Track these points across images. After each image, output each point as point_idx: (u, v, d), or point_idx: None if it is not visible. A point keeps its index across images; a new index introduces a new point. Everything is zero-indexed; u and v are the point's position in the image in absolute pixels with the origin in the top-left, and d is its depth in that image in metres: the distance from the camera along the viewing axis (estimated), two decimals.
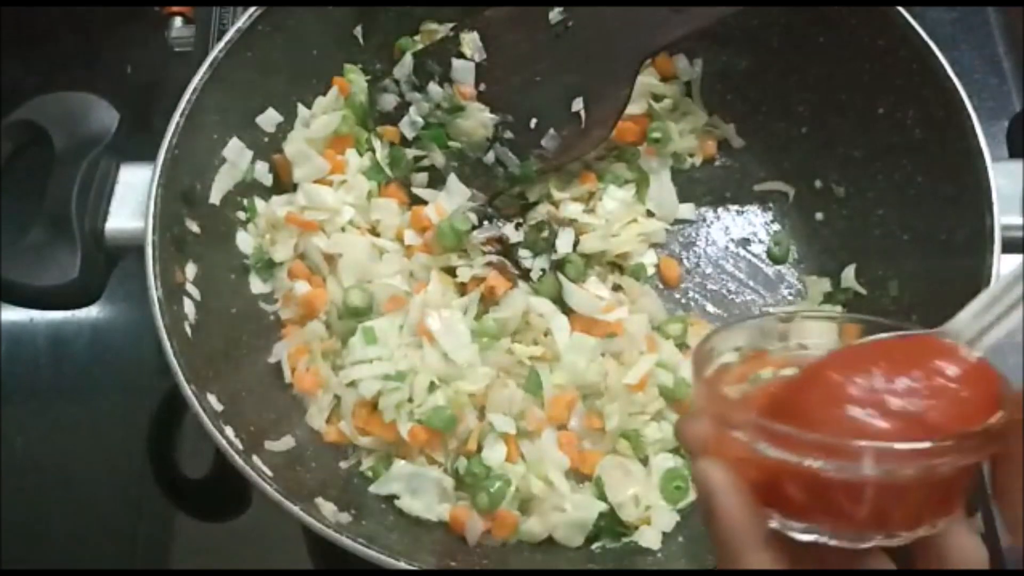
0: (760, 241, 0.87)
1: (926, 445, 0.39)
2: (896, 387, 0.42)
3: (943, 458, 0.40)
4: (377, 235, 0.82)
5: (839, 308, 0.82)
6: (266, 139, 0.84)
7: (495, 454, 0.73)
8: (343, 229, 0.81)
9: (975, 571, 0.43)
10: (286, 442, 0.73)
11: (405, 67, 0.83)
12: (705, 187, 0.89)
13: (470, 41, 0.82)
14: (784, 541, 0.44)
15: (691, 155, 0.89)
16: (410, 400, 0.74)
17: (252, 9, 0.79)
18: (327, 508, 0.69)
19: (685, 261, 0.86)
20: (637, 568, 0.72)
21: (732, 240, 0.87)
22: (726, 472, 0.43)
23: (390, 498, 0.74)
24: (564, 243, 0.81)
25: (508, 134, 0.82)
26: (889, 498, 0.42)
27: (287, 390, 0.78)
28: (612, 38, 0.78)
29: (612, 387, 0.75)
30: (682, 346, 0.80)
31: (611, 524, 0.73)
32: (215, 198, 0.79)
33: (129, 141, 0.76)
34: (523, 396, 0.74)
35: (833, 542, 0.43)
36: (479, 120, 0.82)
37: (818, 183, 0.86)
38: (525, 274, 0.81)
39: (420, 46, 0.85)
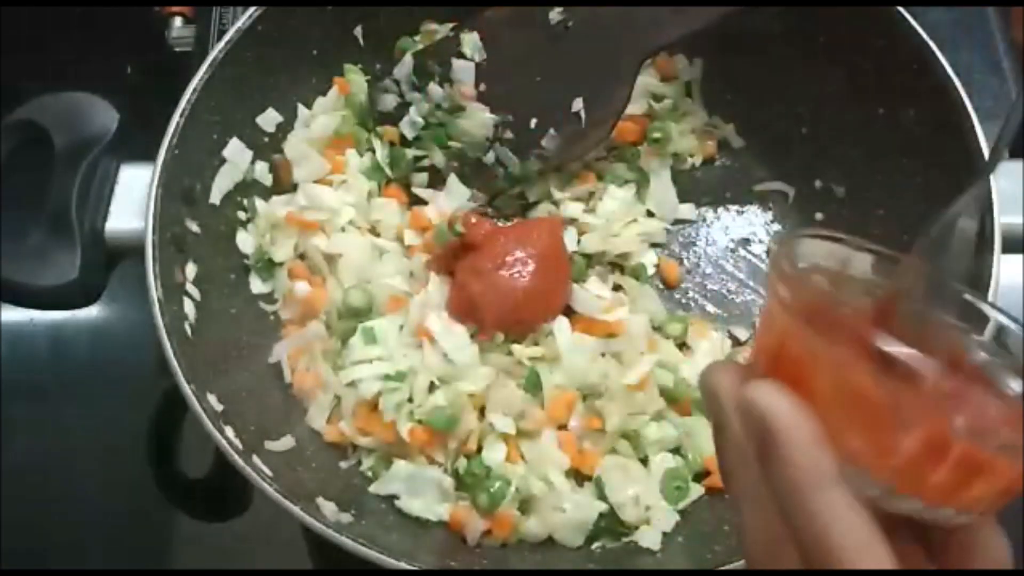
0: (760, 241, 0.87)
1: None
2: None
3: None
4: (377, 235, 0.82)
5: None
6: (266, 139, 0.84)
7: (495, 454, 0.73)
8: (343, 229, 0.81)
9: (983, 571, 0.42)
10: (286, 442, 0.73)
11: (405, 67, 0.83)
12: (705, 187, 0.89)
13: (470, 41, 0.82)
14: None
15: (691, 155, 0.89)
16: (410, 400, 0.74)
17: (252, 9, 0.79)
18: (327, 508, 0.69)
19: (685, 261, 0.86)
20: (637, 568, 0.72)
21: (732, 240, 0.87)
22: (786, 394, 0.36)
23: (390, 498, 0.74)
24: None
25: (508, 134, 0.82)
26: (967, 465, 0.37)
27: (287, 390, 0.78)
28: (612, 38, 0.78)
29: (612, 387, 0.75)
30: (682, 346, 0.80)
31: (611, 524, 0.73)
32: (215, 198, 0.79)
33: (129, 141, 0.76)
34: (523, 396, 0.74)
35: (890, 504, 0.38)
36: (479, 120, 0.82)
37: (818, 183, 0.86)
38: None
39: (420, 46, 0.85)
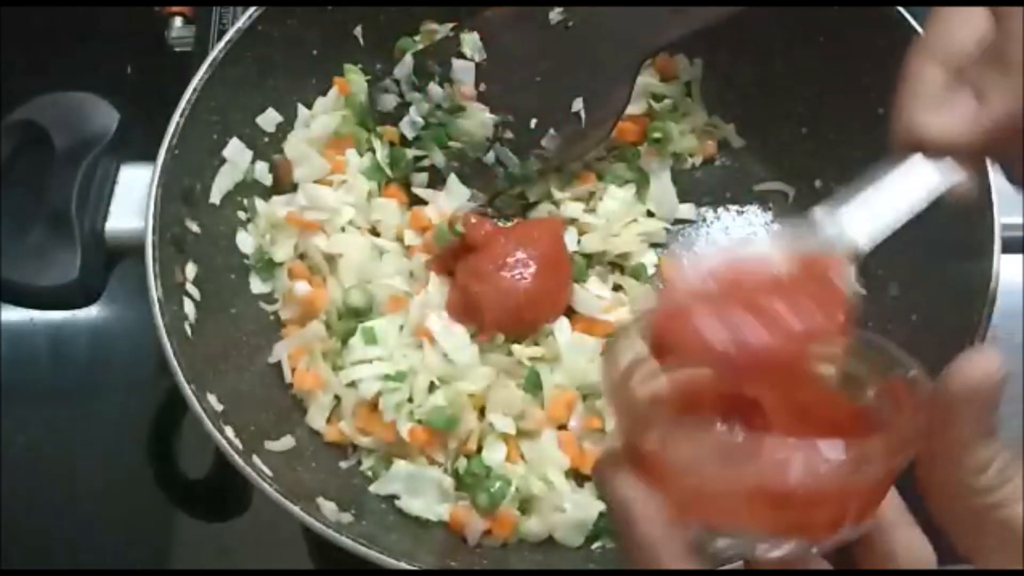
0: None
1: (850, 454, 0.38)
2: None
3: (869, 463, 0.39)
4: (377, 235, 0.82)
5: None
6: (266, 139, 0.84)
7: (495, 454, 0.73)
8: (343, 229, 0.81)
9: (962, 570, 0.42)
10: (286, 442, 0.73)
11: (405, 67, 0.83)
12: (705, 187, 0.89)
13: (470, 41, 0.82)
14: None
15: (691, 155, 0.89)
16: (410, 400, 0.74)
17: (252, 9, 0.79)
18: (327, 508, 0.69)
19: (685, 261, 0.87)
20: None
21: (732, 240, 0.87)
22: (638, 484, 0.42)
23: (390, 498, 0.74)
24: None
25: (508, 134, 0.82)
26: (811, 501, 0.40)
27: (287, 390, 0.78)
28: (612, 38, 0.78)
29: None
30: None
31: (611, 524, 0.73)
32: (215, 198, 0.79)
33: (129, 141, 0.76)
34: (523, 396, 0.74)
35: (754, 551, 0.42)
36: (479, 120, 0.82)
37: (818, 183, 0.86)
38: None
39: (420, 46, 0.85)
